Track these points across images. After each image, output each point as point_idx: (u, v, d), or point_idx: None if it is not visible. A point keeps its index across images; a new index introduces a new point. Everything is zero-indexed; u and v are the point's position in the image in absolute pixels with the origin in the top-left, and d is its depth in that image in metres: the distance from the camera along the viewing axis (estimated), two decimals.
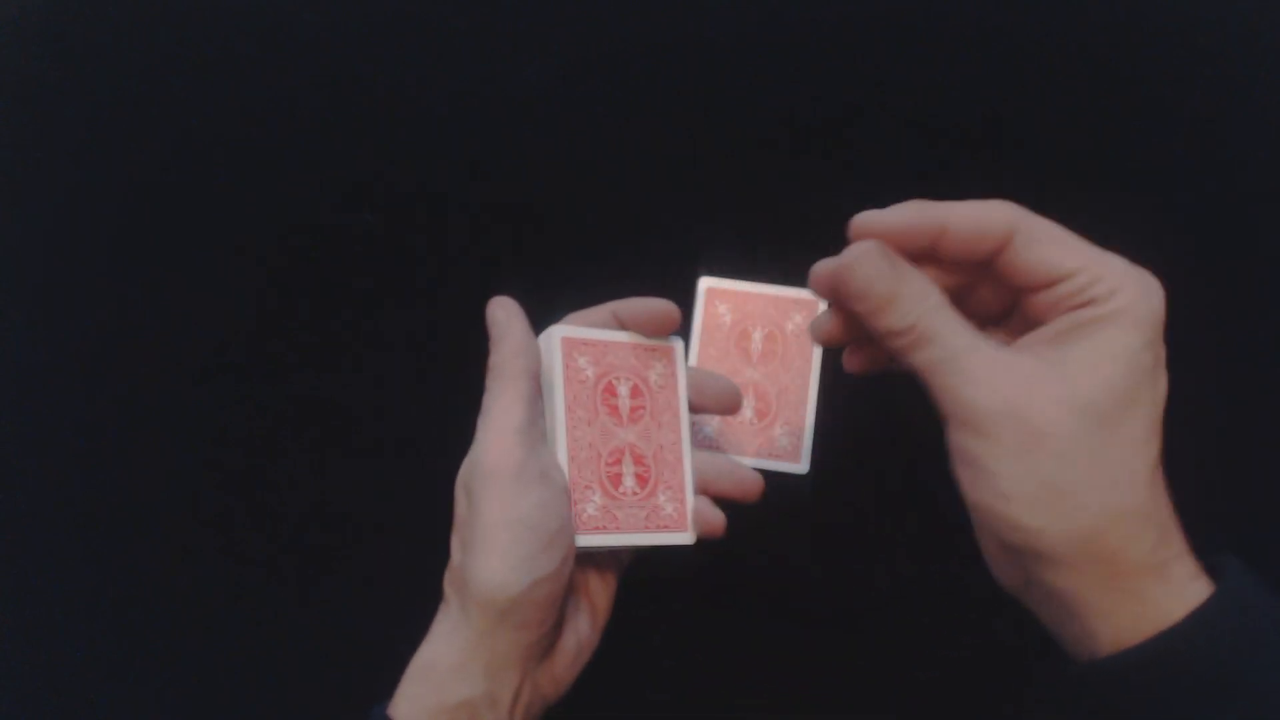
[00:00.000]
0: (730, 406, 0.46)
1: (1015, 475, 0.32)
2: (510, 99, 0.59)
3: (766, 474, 0.46)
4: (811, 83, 0.59)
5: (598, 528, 0.42)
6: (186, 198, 0.59)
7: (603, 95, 0.59)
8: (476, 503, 0.38)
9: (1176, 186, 0.57)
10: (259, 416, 0.57)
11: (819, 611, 0.54)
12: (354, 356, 0.57)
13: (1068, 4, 0.59)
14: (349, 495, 0.56)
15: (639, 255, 0.57)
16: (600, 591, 0.45)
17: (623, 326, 0.44)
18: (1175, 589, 0.32)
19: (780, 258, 0.56)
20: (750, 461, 0.54)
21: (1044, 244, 0.33)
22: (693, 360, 0.56)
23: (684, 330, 0.55)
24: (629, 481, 0.43)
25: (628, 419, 0.44)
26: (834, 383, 0.55)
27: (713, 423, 0.55)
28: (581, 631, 0.43)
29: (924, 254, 0.35)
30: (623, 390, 0.44)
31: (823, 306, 0.56)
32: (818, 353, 0.56)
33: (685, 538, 0.44)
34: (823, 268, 0.36)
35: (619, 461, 0.43)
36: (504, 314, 0.42)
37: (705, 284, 0.56)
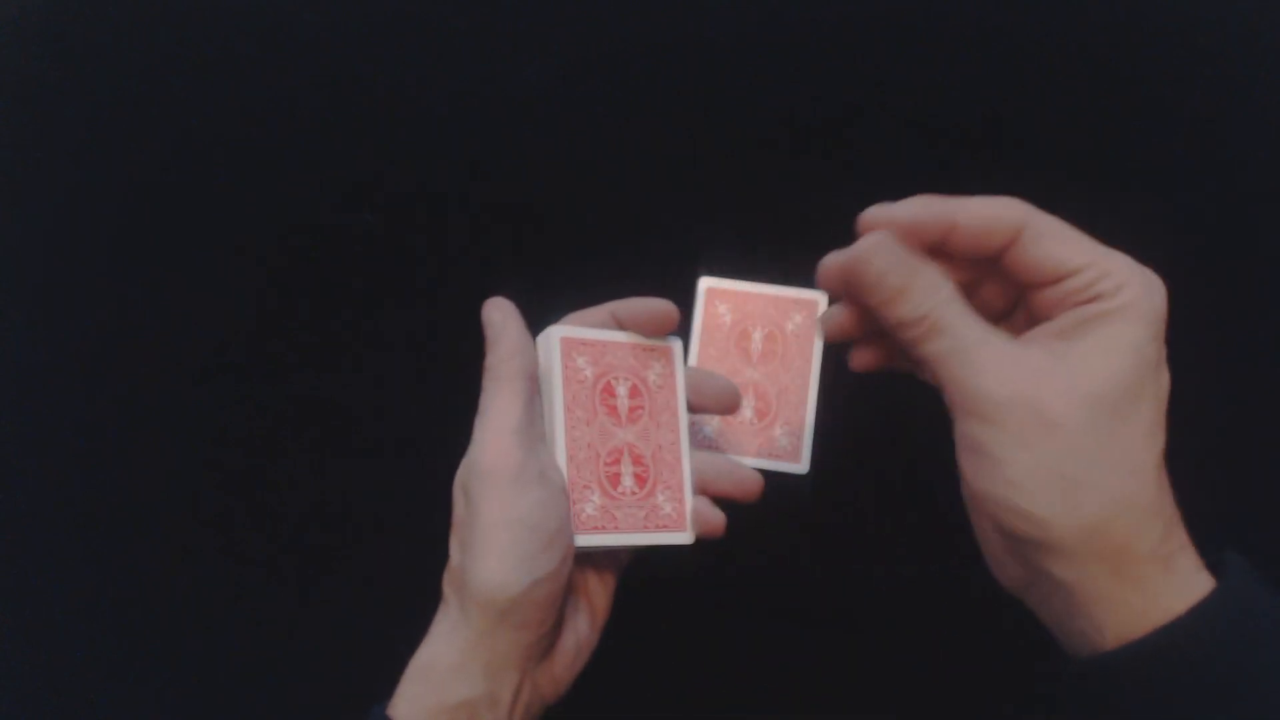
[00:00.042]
0: (729, 406, 0.46)
1: (1024, 464, 0.32)
2: (510, 99, 0.59)
3: (766, 474, 0.46)
4: (811, 83, 0.59)
5: (597, 527, 0.42)
6: (186, 198, 0.59)
7: (603, 95, 0.59)
8: (475, 503, 0.38)
9: (1176, 186, 0.57)
10: (259, 416, 0.57)
11: (819, 611, 0.54)
12: (354, 356, 0.57)
13: (1068, 4, 0.59)
14: (349, 495, 0.56)
15: (639, 255, 0.57)
16: (599, 591, 0.45)
17: (621, 327, 0.44)
18: (1180, 582, 0.32)
19: (780, 258, 0.56)
20: (750, 461, 0.54)
21: (1052, 240, 0.34)
22: (693, 360, 0.56)
23: (684, 330, 0.55)
24: (628, 481, 0.43)
25: (626, 419, 0.44)
26: (834, 383, 0.55)
27: (712, 423, 0.55)
28: (581, 631, 0.43)
29: (933, 249, 0.35)
30: (621, 390, 0.44)
31: (823, 306, 0.56)
32: (818, 353, 0.56)
33: (684, 537, 0.44)
34: (833, 260, 0.36)
35: (618, 461, 0.43)
36: (500, 315, 0.42)
37: (705, 284, 0.56)
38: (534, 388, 0.42)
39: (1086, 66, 0.58)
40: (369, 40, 0.60)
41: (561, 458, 0.42)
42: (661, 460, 0.44)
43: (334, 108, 0.60)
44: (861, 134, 0.58)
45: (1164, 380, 0.33)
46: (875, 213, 0.35)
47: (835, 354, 0.55)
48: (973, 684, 0.52)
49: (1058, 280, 0.34)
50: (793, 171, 0.58)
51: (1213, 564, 0.33)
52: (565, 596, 0.41)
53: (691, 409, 0.46)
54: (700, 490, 0.45)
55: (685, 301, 0.56)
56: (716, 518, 0.44)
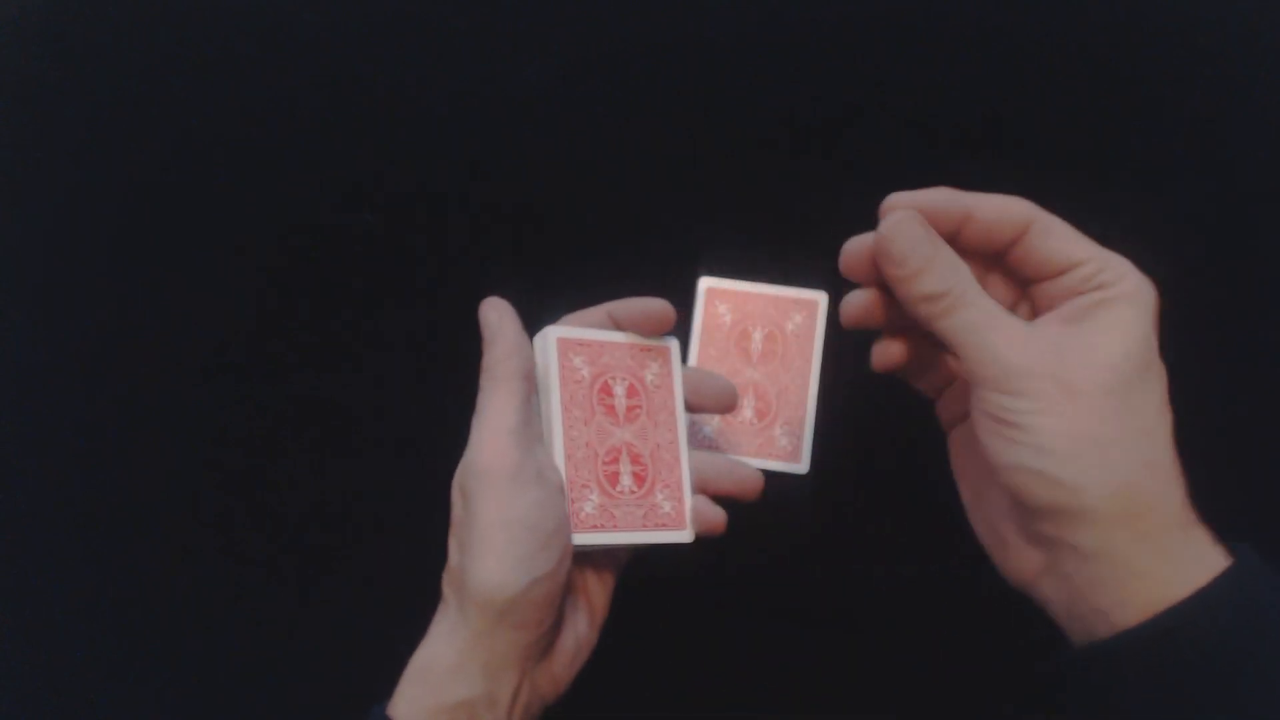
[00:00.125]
0: (726, 405, 0.46)
1: (1054, 431, 0.33)
2: (510, 99, 0.59)
3: (766, 474, 0.46)
4: (811, 83, 0.59)
5: (595, 526, 0.42)
6: (186, 198, 0.59)
7: (603, 95, 0.59)
8: (473, 504, 0.38)
9: (1176, 186, 0.57)
10: (259, 416, 0.57)
11: (819, 611, 0.54)
12: (354, 356, 0.57)
13: (1068, 4, 0.59)
14: (349, 495, 0.56)
15: (639, 255, 0.57)
16: (598, 591, 0.45)
17: (618, 327, 0.45)
18: (1201, 552, 0.33)
19: (780, 258, 0.56)
20: (750, 462, 0.54)
21: (1058, 236, 0.36)
22: (693, 360, 0.56)
23: (684, 330, 0.55)
24: (626, 480, 0.43)
25: (624, 418, 0.44)
26: (834, 383, 0.55)
27: (712, 422, 0.55)
28: (580, 631, 0.43)
29: (945, 240, 0.37)
30: (619, 390, 0.44)
31: (823, 306, 0.56)
32: (818, 353, 0.56)
33: (683, 536, 0.44)
34: (858, 240, 0.38)
35: (616, 460, 0.43)
36: (496, 315, 0.42)
37: (705, 284, 0.56)
38: (531, 388, 0.42)
39: (1086, 66, 0.58)
40: (369, 40, 0.60)
41: (559, 457, 0.42)
42: (660, 459, 0.44)
43: (334, 108, 0.60)
44: (861, 134, 0.58)
45: (1163, 370, 0.35)
46: (899, 198, 0.37)
47: (835, 354, 0.55)
48: (973, 684, 0.52)
49: (1062, 273, 0.36)
50: (793, 171, 0.58)
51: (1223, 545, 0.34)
52: (564, 596, 0.41)
53: (690, 408, 0.46)
54: (701, 489, 0.45)
55: (685, 301, 0.56)
56: (716, 515, 0.44)
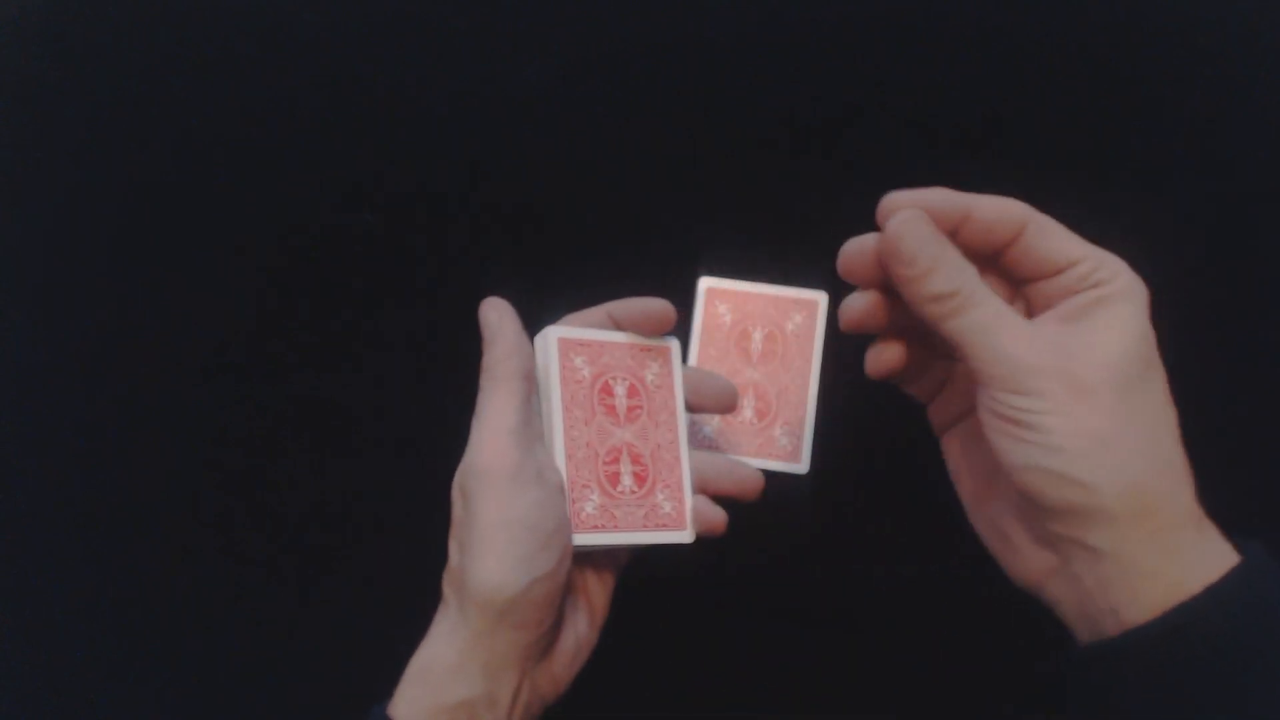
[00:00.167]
0: (727, 406, 0.46)
1: (1066, 429, 0.33)
2: (510, 99, 0.59)
3: (766, 474, 0.46)
4: (811, 83, 0.59)
5: (596, 526, 0.42)
6: (186, 198, 0.59)
7: (603, 95, 0.59)
8: (473, 504, 0.39)
9: (1176, 186, 0.57)
10: (259, 416, 0.57)
11: (819, 611, 0.54)
12: (354, 356, 0.57)
13: (1068, 4, 0.59)
14: (349, 495, 0.56)
15: (639, 255, 0.57)
16: (598, 591, 0.45)
17: (619, 327, 0.45)
18: (1211, 549, 0.33)
19: (780, 258, 0.56)
20: (750, 462, 0.54)
21: (1053, 236, 0.36)
22: (693, 360, 0.56)
23: (684, 330, 0.55)
24: (627, 480, 0.43)
25: (625, 418, 0.44)
26: (834, 383, 0.55)
27: (712, 422, 0.55)
28: (580, 631, 0.43)
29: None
30: (619, 390, 0.44)
31: (823, 306, 0.56)
32: (818, 353, 0.56)
33: (684, 536, 0.44)
34: (856, 243, 0.38)
35: (616, 461, 0.43)
36: (496, 315, 0.42)
37: (705, 284, 0.56)
38: (531, 388, 0.42)
39: (1086, 66, 0.58)
40: (369, 40, 0.60)
41: (560, 457, 0.42)
42: (660, 459, 0.44)
43: (334, 108, 0.60)
44: (861, 134, 0.58)
45: (1162, 366, 0.35)
46: (897, 196, 0.37)
47: (835, 354, 0.55)
48: (973, 684, 0.52)
49: (1059, 272, 0.36)
50: (793, 171, 0.58)
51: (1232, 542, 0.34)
52: (564, 596, 0.41)
53: (690, 409, 0.46)
54: (701, 489, 0.45)
55: (685, 301, 0.56)
56: (717, 515, 0.44)
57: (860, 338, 0.41)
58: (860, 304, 0.39)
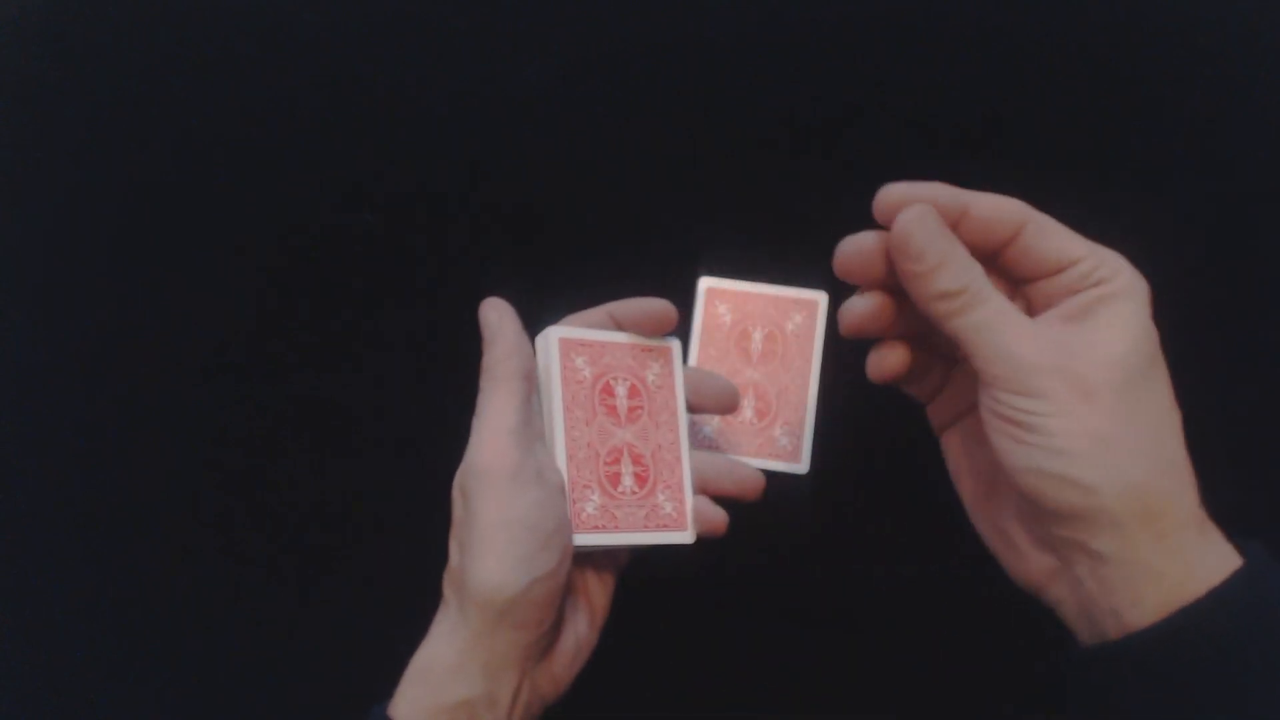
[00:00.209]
0: (728, 406, 0.46)
1: (1070, 431, 0.33)
2: (510, 99, 0.59)
3: (766, 474, 0.46)
4: (811, 83, 0.59)
5: (597, 527, 0.42)
6: (186, 198, 0.59)
7: (603, 95, 0.59)
8: (473, 504, 0.38)
9: (1176, 186, 0.57)
10: (259, 416, 0.57)
11: (819, 611, 0.54)
12: (354, 356, 0.57)
13: (1068, 4, 0.59)
14: (349, 495, 0.56)
15: (639, 255, 0.57)
16: (598, 591, 0.45)
17: (620, 327, 0.45)
18: (1215, 550, 0.33)
19: (780, 258, 0.56)
20: (750, 462, 0.54)
21: (1053, 234, 0.36)
22: (693, 360, 0.56)
23: (684, 330, 0.55)
24: (628, 481, 0.43)
25: (625, 419, 0.44)
26: (834, 383, 0.55)
27: (713, 422, 0.55)
28: (580, 631, 0.43)
29: None
30: (620, 390, 0.44)
31: (823, 306, 0.56)
32: (818, 353, 0.56)
33: (685, 537, 0.44)
34: (854, 242, 0.37)
35: (617, 461, 0.43)
36: (496, 315, 0.42)
37: (705, 284, 0.56)
38: (531, 387, 0.42)
39: (1086, 66, 0.58)
40: (369, 40, 0.60)
41: (561, 457, 0.42)
42: (661, 460, 0.44)
43: (334, 108, 0.60)
44: (861, 134, 0.58)
45: (1165, 366, 0.35)
46: (896, 189, 0.36)
47: (835, 354, 0.55)
48: (973, 684, 0.52)
49: (1059, 270, 0.35)
50: (793, 171, 0.58)
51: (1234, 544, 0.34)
52: (564, 596, 0.41)
53: (691, 409, 0.46)
54: (701, 490, 0.45)
55: (685, 301, 0.56)
56: (718, 516, 0.44)
57: (861, 338, 0.41)
58: (861, 307, 0.38)
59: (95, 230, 0.59)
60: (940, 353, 0.41)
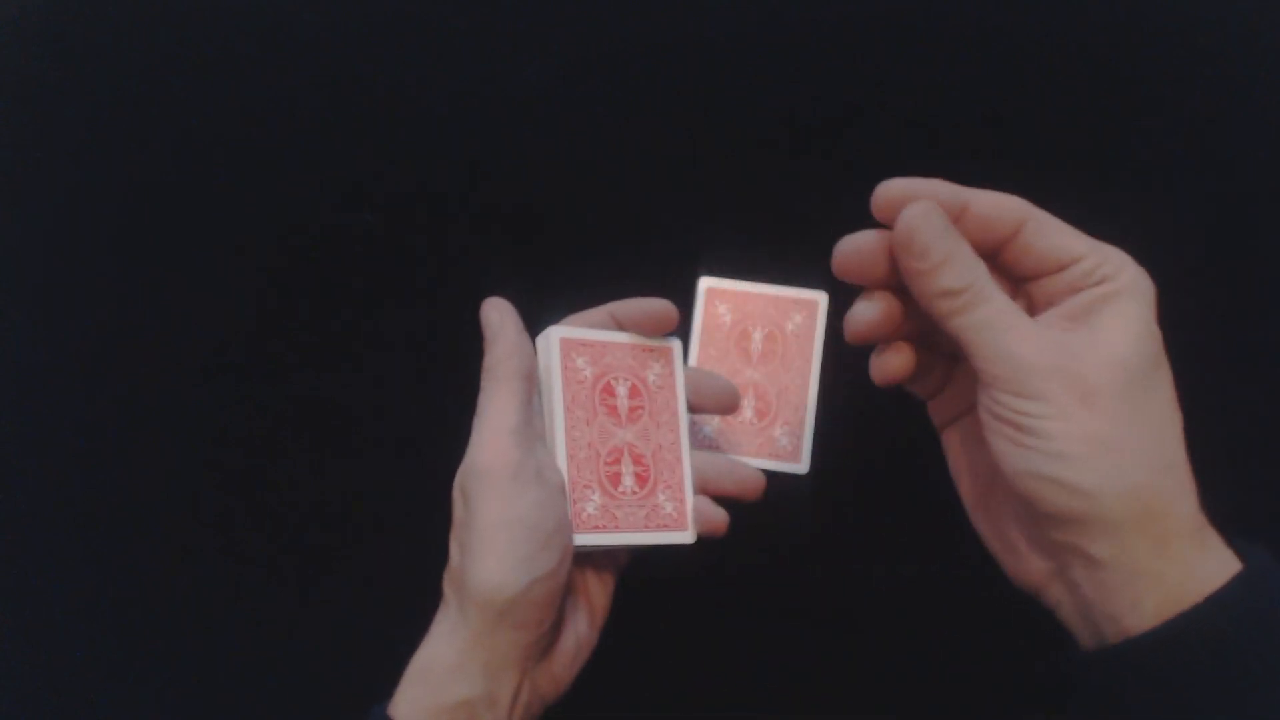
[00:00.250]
0: (728, 406, 0.46)
1: (1069, 434, 0.32)
2: (510, 99, 0.59)
3: (766, 474, 0.46)
4: (811, 83, 0.59)
5: (597, 527, 0.42)
6: (186, 198, 0.59)
7: (603, 95, 0.59)
8: (473, 504, 0.38)
9: (1176, 186, 0.57)
10: (259, 416, 0.57)
11: (819, 611, 0.54)
12: (354, 356, 0.57)
13: (1068, 4, 0.59)
14: (349, 495, 0.56)
15: (639, 255, 0.57)
16: (598, 591, 0.45)
17: (620, 327, 0.45)
18: (1213, 556, 0.33)
19: (780, 258, 0.56)
20: (750, 462, 0.54)
21: (1054, 231, 0.35)
22: (693, 360, 0.56)
23: (684, 330, 0.55)
24: (628, 481, 0.43)
25: (626, 419, 0.44)
26: (834, 383, 0.55)
27: (713, 423, 0.55)
28: (580, 631, 0.43)
29: None
30: (621, 390, 0.44)
31: (823, 306, 0.56)
32: (818, 353, 0.56)
33: (685, 536, 0.44)
34: (853, 241, 0.37)
35: (618, 461, 0.43)
36: (497, 315, 0.42)
37: (705, 284, 0.56)
38: (531, 388, 0.42)
39: (1086, 66, 0.58)
40: (369, 40, 0.60)
41: (562, 457, 0.42)
42: (662, 460, 0.44)
43: (334, 108, 0.60)
44: (861, 134, 0.58)
45: (1169, 367, 0.34)
46: (895, 184, 0.35)
47: (835, 354, 0.55)
48: (973, 684, 0.52)
49: (1061, 268, 0.35)
50: (793, 171, 0.58)
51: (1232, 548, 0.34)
52: (564, 596, 0.41)
53: (691, 409, 0.46)
54: (702, 490, 0.45)
55: (685, 301, 0.56)
56: (718, 516, 0.44)
57: (867, 344, 0.40)
58: (868, 314, 0.38)
59: (95, 230, 0.59)
60: (942, 350, 0.40)
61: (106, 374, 0.57)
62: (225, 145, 0.60)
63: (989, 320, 0.34)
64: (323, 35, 0.61)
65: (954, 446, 0.41)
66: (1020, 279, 0.37)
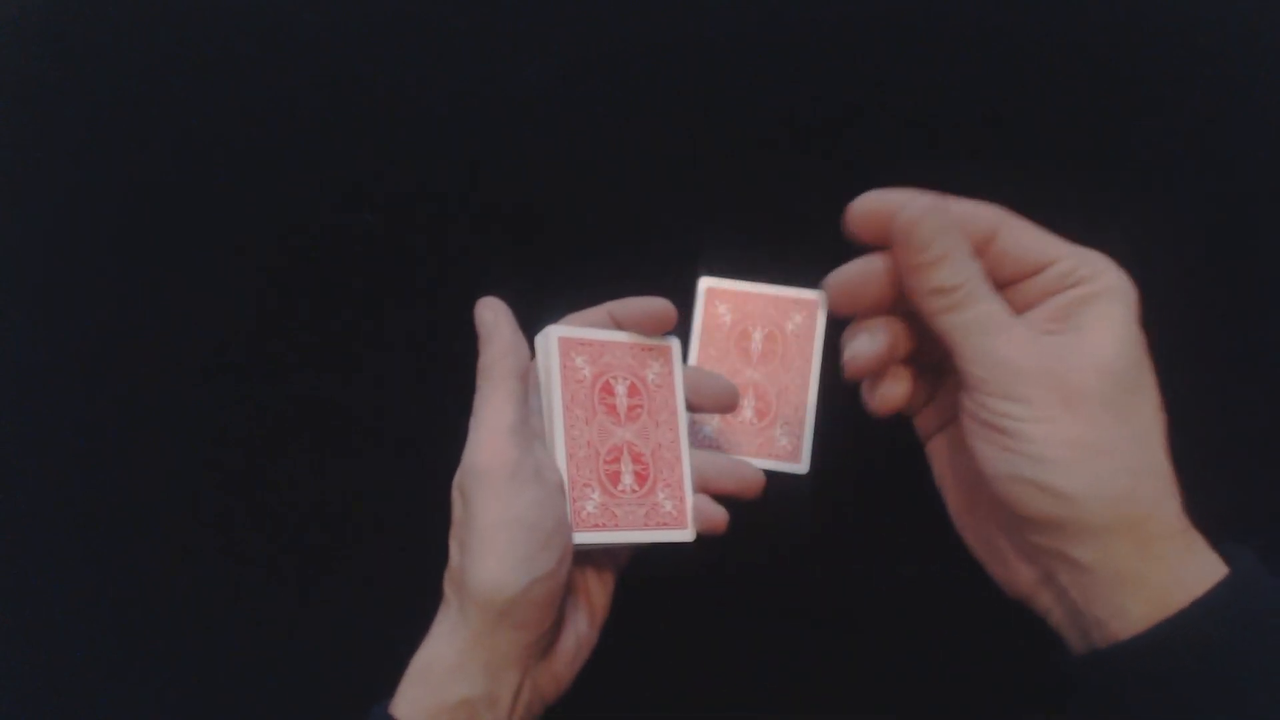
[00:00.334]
0: (727, 405, 0.46)
1: (1051, 438, 0.32)
2: (510, 99, 0.59)
3: (766, 474, 0.46)
4: (811, 83, 0.59)
5: (597, 525, 0.42)
6: (186, 198, 0.59)
7: (603, 95, 0.59)
8: (472, 504, 0.38)
9: (1176, 186, 0.57)
10: (259, 416, 0.57)
11: (819, 611, 0.54)
12: (354, 356, 0.57)
13: (1068, 4, 0.59)
14: (349, 495, 0.56)
15: (639, 255, 0.57)
16: (598, 590, 0.45)
17: (619, 326, 0.45)
18: (1198, 560, 0.33)
19: (780, 258, 0.56)
20: (750, 462, 0.54)
21: (1030, 236, 0.35)
22: (693, 360, 0.56)
23: (684, 330, 0.55)
24: (628, 480, 0.43)
25: (625, 418, 0.44)
26: (834, 383, 0.55)
27: (713, 422, 0.55)
28: (580, 630, 0.43)
29: None
30: (620, 389, 0.44)
31: (823, 308, 0.56)
32: (818, 353, 0.56)
33: (685, 535, 0.44)
34: (844, 273, 0.37)
35: (617, 460, 0.43)
36: (492, 315, 0.42)
37: (705, 284, 0.56)
38: (527, 386, 0.42)
39: (1086, 66, 0.58)
40: (369, 40, 0.60)
41: (561, 456, 0.42)
42: (661, 459, 0.44)
43: (334, 108, 0.60)
44: (861, 134, 0.58)
45: (1152, 369, 0.34)
46: (870, 198, 0.36)
47: (835, 354, 0.55)
48: (973, 684, 0.52)
49: (1037, 271, 0.35)
50: (793, 171, 0.58)
51: (1219, 551, 0.34)
52: (564, 596, 0.41)
53: (691, 409, 0.46)
54: (702, 488, 0.45)
55: (685, 301, 0.56)
56: (718, 514, 0.44)
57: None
58: (870, 348, 0.37)
59: (95, 230, 0.59)
60: (928, 363, 0.40)
61: (106, 374, 0.57)
62: (225, 145, 0.60)
63: (978, 320, 0.34)
64: (323, 35, 0.61)
65: (939, 457, 0.41)
66: (999, 284, 0.37)
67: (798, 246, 0.55)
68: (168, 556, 0.55)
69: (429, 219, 0.59)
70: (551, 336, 0.43)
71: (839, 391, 0.55)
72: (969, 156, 0.58)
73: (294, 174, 0.59)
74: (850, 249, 0.38)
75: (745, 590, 0.54)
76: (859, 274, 0.37)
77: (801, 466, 0.55)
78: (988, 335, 0.34)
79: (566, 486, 0.41)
